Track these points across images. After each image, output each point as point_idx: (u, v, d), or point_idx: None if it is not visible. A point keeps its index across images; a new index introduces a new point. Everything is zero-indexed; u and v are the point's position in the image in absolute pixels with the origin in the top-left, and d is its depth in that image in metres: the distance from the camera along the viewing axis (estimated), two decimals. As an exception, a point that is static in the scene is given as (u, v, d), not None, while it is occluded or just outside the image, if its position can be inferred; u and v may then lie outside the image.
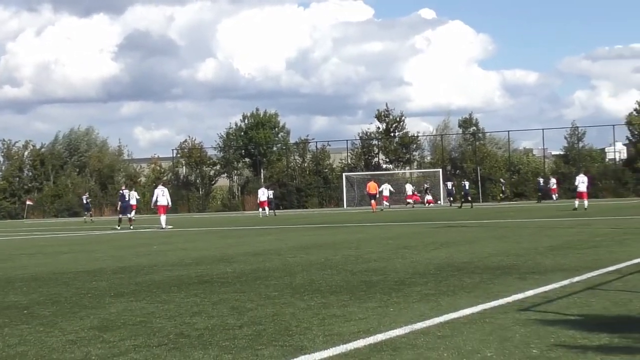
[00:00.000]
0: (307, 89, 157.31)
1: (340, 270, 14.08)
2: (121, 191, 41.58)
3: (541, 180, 64.60)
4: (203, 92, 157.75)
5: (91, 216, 57.94)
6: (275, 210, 57.28)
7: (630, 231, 22.19)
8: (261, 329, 8.31)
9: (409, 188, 67.71)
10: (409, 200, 66.56)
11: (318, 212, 59.72)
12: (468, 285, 11.32)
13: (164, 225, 37.17)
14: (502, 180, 69.51)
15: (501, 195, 68.34)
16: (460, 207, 54.80)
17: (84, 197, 61.88)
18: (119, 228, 38.60)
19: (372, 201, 56.41)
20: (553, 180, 64.84)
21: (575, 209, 40.86)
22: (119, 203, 41.39)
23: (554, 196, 63.39)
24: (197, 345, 7.63)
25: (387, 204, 61.94)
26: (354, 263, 15.35)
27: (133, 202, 54.62)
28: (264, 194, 54.94)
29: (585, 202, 42.33)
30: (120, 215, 40.60)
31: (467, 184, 59.59)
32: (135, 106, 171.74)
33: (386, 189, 62.55)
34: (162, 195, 38.40)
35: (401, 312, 9.12)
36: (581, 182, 43.40)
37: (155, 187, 42.70)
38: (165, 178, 79.78)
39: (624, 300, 9.41)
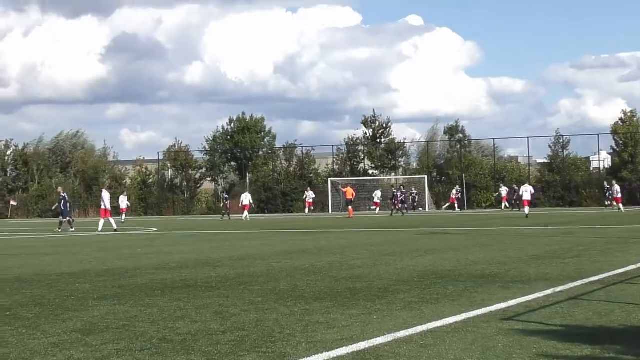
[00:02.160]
0: (294, 94, 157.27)
1: (325, 276, 14.09)
2: (61, 194, 40.97)
3: (515, 187, 64.74)
4: (190, 96, 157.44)
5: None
6: (230, 215, 57.16)
7: (613, 241, 22.28)
8: (244, 335, 8.31)
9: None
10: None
11: (303, 216, 59.75)
12: (452, 293, 11.35)
13: (100, 228, 37.21)
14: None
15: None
16: (400, 214, 56.04)
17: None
18: (59, 230, 38.42)
19: (349, 207, 56.50)
20: (505, 189, 65.41)
21: (526, 215, 43.92)
22: (58, 205, 40.58)
23: (504, 204, 64.17)
24: (180, 350, 7.62)
25: (377, 209, 62.78)
26: (338, 269, 15.36)
27: (123, 205, 54.76)
28: (246, 198, 56.03)
29: (527, 209, 46.19)
30: (60, 218, 40.12)
31: (398, 192, 60.40)
32: (122, 108, 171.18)
33: (377, 195, 63.39)
34: (108, 199, 38.78)
35: (384, 320, 9.13)
36: (525, 192, 47.32)
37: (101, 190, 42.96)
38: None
39: (606, 311, 9.45)
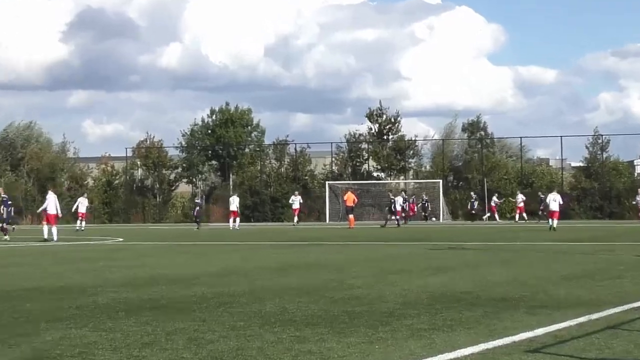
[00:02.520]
0: (287, 81, 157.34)
1: (319, 297, 14.09)
2: (1, 195, 41.01)
3: (542, 195, 64.27)
4: (165, 81, 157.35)
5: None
6: (200, 224, 56.95)
7: (659, 260, 22.30)
8: (222, 366, 8.29)
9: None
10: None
11: (294, 226, 59.75)
12: (468, 319, 11.34)
13: (55, 238, 37.12)
14: (472, 194, 69.36)
15: (473, 211, 68.23)
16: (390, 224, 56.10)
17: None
18: (7, 238, 38.46)
19: (350, 216, 56.43)
20: (521, 197, 65.29)
21: (553, 228, 43.94)
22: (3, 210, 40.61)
23: (524, 215, 64.24)
24: (146, 383, 7.61)
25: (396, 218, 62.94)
26: (334, 289, 15.37)
27: (83, 209, 54.84)
28: (233, 203, 56.19)
29: (555, 222, 45.56)
30: (3, 225, 40.08)
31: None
32: (85, 95, 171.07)
33: (398, 202, 63.38)
34: (53, 203, 38.77)
35: (388, 350, 9.12)
36: (552, 201, 47.08)
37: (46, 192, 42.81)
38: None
39: (650, 342, 9.45)
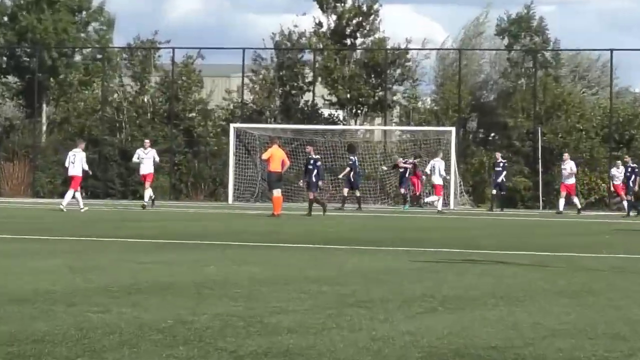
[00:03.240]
0: None
1: (209, 348, 14.17)
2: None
3: (631, 164, 64.05)
4: None
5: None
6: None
7: None
8: None
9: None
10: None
11: (170, 207, 59.99)
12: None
13: None
14: (498, 155, 68.51)
15: (501, 190, 68.02)
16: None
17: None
18: None
19: (276, 192, 55.99)
20: (570, 165, 65.00)
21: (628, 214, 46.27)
22: None
23: (574, 199, 64.49)
24: None
25: (433, 200, 63.70)
26: (240, 334, 15.45)
27: None
28: (74, 163, 55.98)
29: (625, 203, 48.06)
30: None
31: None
32: None
33: (436, 168, 63.57)
34: None
35: None
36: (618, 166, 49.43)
37: None
38: None
39: None
